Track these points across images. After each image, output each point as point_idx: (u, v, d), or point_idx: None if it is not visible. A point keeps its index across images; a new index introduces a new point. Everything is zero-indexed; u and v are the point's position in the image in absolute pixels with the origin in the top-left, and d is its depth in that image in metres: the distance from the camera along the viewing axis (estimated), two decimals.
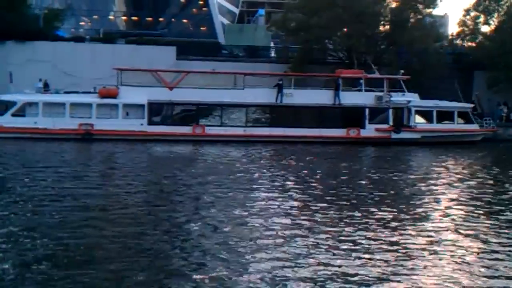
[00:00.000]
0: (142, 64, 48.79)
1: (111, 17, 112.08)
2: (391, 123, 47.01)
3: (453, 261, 16.36)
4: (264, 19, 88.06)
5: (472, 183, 29.81)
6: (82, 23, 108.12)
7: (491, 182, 30.66)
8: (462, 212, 22.45)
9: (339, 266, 15.41)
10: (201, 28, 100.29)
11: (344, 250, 16.90)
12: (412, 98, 47.48)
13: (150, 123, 44.26)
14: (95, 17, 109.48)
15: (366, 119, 46.63)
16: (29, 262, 15.06)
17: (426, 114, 47.79)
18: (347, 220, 20.38)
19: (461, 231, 19.51)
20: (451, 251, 17.29)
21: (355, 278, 14.66)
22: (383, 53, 55.21)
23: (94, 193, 24.00)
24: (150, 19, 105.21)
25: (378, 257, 16.30)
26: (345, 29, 53.82)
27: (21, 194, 23.46)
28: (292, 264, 15.43)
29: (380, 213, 21.68)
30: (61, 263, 15.17)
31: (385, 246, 17.41)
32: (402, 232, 19.16)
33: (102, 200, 23.07)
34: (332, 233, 18.62)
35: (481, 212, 22.59)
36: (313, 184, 27.93)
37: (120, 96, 44.25)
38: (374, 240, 18.02)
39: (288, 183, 28.18)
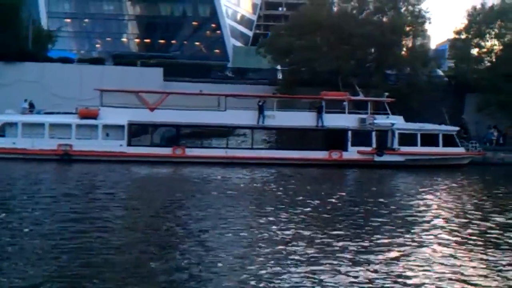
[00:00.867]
0: (130, 85, 48.78)
1: (124, 39, 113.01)
2: (374, 145, 46.57)
3: None
4: None
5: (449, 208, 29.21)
6: (98, 46, 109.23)
7: (471, 208, 29.58)
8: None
9: None
10: (215, 51, 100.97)
11: None
12: (396, 121, 47.09)
13: (130, 144, 44.09)
14: (108, 39, 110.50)
15: (349, 142, 46.25)
16: None
17: (410, 137, 47.30)
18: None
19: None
20: None
21: None
22: (371, 76, 54.84)
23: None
24: (162, 41, 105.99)
25: None
26: (332, 51, 53.42)
27: None
28: None
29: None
30: None
31: None
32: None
33: None
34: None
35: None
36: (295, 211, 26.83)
37: (101, 117, 44.18)
38: None
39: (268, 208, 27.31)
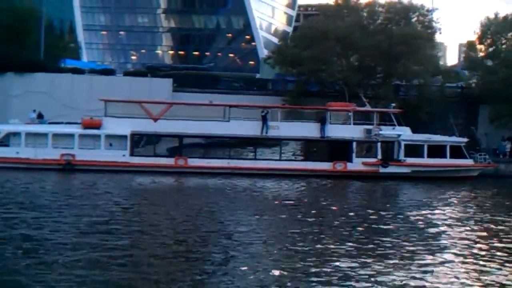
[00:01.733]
0: (139, 96, 48.91)
1: (158, 51, 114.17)
2: (379, 157, 46.04)
3: None
4: None
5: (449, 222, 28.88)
6: (134, 57, 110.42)
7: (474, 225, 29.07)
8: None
9: None
10: (249, 62, 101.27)
11: None
12: (402, 132, 46.51)
13: (132, 154, 44.12)
14: (143, 51, 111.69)
15: (353, 153, 45.79)
16: None
17: (417, 149, 46.69)
18: None
19: None
20: None
21: None
22: (380, 87, 54.28)
23: None
24: (196, 53, 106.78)
25: None
26: (338, 62, 53.12)
27: None
28: None
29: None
30: None
31: None
32: None
33: None
34: None
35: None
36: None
37: (104, 127, 44.32)
38: None
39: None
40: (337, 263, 19.31)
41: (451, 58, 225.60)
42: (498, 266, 19.78)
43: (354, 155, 45.82)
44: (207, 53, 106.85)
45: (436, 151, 46.82)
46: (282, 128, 45.89)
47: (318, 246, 21.97)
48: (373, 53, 52.50)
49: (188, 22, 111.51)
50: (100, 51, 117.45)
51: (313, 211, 30.22)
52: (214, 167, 44.28)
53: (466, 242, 23.89)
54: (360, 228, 25.74)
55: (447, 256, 21.25)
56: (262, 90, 59.70)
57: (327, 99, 53.54)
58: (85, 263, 18.39)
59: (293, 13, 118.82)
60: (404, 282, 17.57)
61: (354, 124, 46.80)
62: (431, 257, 20.94)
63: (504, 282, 17.95)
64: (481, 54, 59.23)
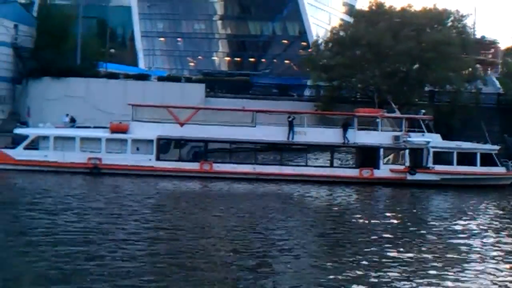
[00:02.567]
0: (172, 101, 49.34)
1: (214, 58, 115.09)
2: (407, 163, 45.39)
3: None
4: None
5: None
6: (192, 64, 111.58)
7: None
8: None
9: None
10: (306, 69, 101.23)
11: None
12: (432, 139, 45.76)
13: (158, 158, 44.37)
14: (199, 57, 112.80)
15: (381, 159, 45.25)
16: None
17: (447, 156, 45.88)
18: None
19: None
20: None
21: None
22: (411, 93, 53.56)
23: None
24: (252, 59, 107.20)
25: None
26: (369, 68, 52.66)
27: None
28: None
29: None
30: None
31: None
32: None
33: None
34: None
35: None
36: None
37: (131, 131, 44.71)
38: None
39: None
40: None
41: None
42: None
43: (381, 161, 45.28)
44: (263, 60, 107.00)
45: (466, 158, 45.90)
46: (309, 134, 45.63)
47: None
48: (404, 59, 51.86)
49: (244, 28, 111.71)
50: (158, 58, 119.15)
51: (375, 220, 30.58)
52: (239, 172, 44.24)
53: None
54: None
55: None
56: (296, 96, 59.79)
57: (358, 105, 53.24)
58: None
59: (351, 20, 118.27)
60: None
61: (382, 130, 46.31)
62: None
63: None
64: None
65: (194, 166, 44.47)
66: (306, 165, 45.49)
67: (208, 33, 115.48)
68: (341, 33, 56.30)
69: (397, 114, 47.66)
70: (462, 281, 19.60)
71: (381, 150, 45.35)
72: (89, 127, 46.16)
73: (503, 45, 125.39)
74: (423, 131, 46.23)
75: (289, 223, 29.46)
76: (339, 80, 53.44)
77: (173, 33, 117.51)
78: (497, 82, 62.24)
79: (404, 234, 27.48)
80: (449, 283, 19.24)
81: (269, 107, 50.58)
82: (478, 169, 45.94)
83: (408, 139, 45.48)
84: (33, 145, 44.48)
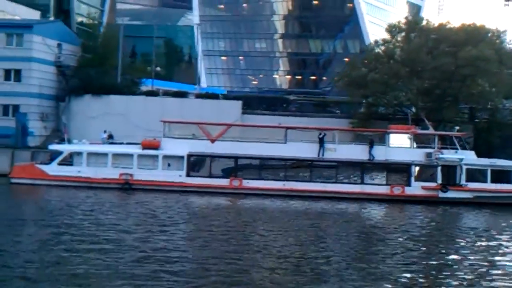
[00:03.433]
0: (208, 118, 49.91)
1: (275, 76, 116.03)
2: (439, 181, 44.76)
3: None
4: None
5: None
6: (254, 83, 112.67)
7: None
8: None
9: None
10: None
11: None
12: (465, 156, 45.06)
13: (188, 174, 44.81)
14: (260, 76, 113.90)
15: (412, 176, 44.74)
16: None
17: (480, 173, 45.12)
18: None
19: None
20: None
21: None
22: (447, 110, 52.83)
23: None
24: (313, 78, 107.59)
25: None
26: (403, 85, 52.23)
27: None
28: None
29: None
30: None
31: None
32: None
33: None
34: None
35: None
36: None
37: (162, 148, 45.29)
38: None
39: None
40: None
41: None
42: None
43: (413, 179, 44.77)
44: (324, 78, 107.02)
45: (501, 176, 45.06)
46: (339, 151, 45.45)
47: None
48: (440, 75, 51.27)
49: (305, 46, 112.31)
50: (220, 76, 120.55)
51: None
52: (269, 188, 44.32)
53: None
54: None
55: None
56: (332, 113, 59.65)
57: (394, 122, 52.81)
58: None
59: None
60: None
61: (416, 147, 45.86)
62: None
63: None
64: None
65: (223, 182, 44.78)
66: (336, 182, 45.27)
67: (269, 52, 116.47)
68: (376, 50, 55.88)
69: (431, 131, 47.12)
70: None
71: (413, 167, 44.88)
72: (122, 143, 46.83)
73: None
74: (457, 148, 45.57)
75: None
76: (374, 97, 53.00)
77: (235, 51, 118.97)
78: None
79: None
80: None
81: (304, 124, 50.61)
82: None
83: (440, 156, 44.88)
84: (68, 161, 45.49)
